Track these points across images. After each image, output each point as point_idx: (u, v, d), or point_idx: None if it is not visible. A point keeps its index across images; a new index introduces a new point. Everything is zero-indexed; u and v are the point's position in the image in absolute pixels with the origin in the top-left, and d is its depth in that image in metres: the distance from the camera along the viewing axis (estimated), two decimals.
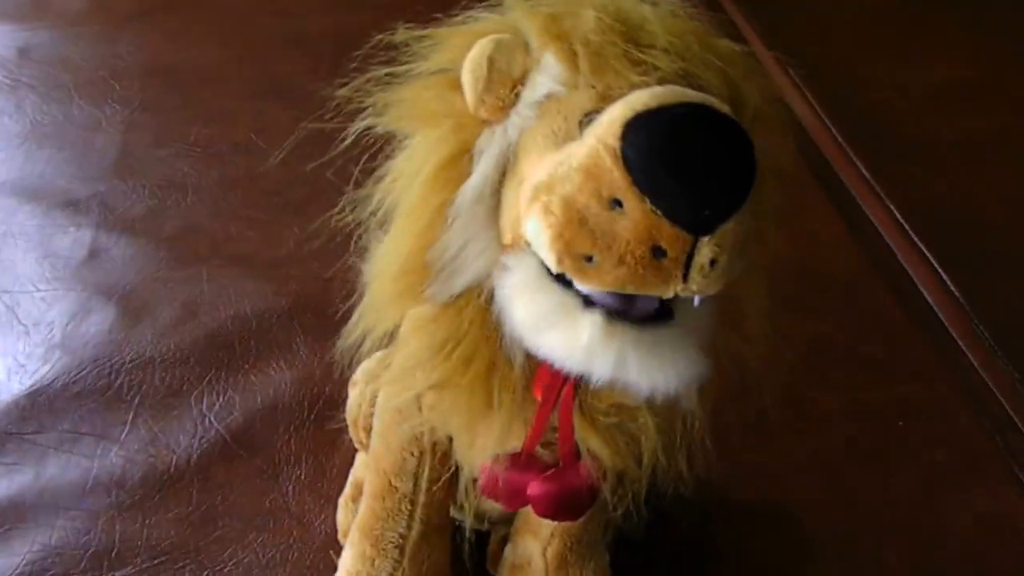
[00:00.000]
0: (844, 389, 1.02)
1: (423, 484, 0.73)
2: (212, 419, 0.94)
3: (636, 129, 0.47)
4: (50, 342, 0.99)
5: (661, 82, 0.51)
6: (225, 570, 0.84)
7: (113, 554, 0.84)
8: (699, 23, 0.56)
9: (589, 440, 0.61)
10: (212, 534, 0.86)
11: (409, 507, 0.74)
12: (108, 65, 1.27)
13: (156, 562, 0.84)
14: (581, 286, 0.51)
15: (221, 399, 0.96)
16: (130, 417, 0.94)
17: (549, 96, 0.54)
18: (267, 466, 0.91)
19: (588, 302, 0.51)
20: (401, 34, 0.59)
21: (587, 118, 0.52)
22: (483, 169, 0.56)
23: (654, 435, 0.60)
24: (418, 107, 0.59)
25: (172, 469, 0.90)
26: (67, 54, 1.29)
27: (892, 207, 1.24)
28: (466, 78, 0.55)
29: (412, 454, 0.72)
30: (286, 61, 1.33)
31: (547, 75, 0.54)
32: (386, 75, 0.59)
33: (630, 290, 0.49)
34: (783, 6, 1.51)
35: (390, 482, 0.74)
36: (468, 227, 0.56)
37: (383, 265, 0.60)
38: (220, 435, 0.93)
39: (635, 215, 0.47)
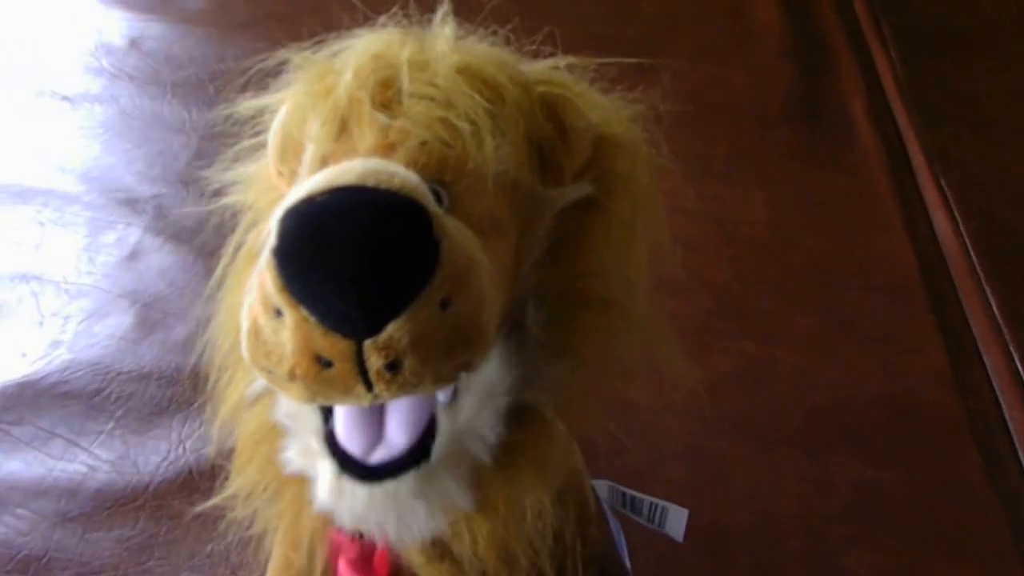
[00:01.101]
0: None
1: (317, 564, 0.76)
2: (186, 447, 0.99)
3: (282, 226, 0.45)
4: (58, 337, 1.07)
5: (391, 147, 0.51)
6: None
7: (43, 562, 0.90)
8: (499, 53, 0.57)
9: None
10: (145, 563, 0.91)
11: None
12: (209, 68, 1.37)
13: None
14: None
15: (201, 429, 1.01)
16: (108, 427, 1.00)
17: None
18: (221, 511, 0.95)
19: (331, 440, 0.51)
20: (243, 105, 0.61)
21: None
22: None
23: (487, 546, 0.58)
24: (253, 181, 0.62)
25: (129, 489, 0.95)
26: (174, 51, 1.40)
27: None
28: (268, 149, 0.58)
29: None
30: None
31: (313, 144, 0.54)
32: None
33: (321, 403, 0.49)
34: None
35: (287, 555, 0.76)
36: None
37: (216, 332, 0.63)
38: (187, 465, 0.98)
39: (290, 323, 0.45)
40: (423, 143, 0.52)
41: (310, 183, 0.47)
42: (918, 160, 1.31)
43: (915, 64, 1.43)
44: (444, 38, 0.56)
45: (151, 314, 1.10)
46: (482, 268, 0.49)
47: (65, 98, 1.34)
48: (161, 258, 1.16)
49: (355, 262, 0.43)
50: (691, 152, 1.32)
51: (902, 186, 1.29)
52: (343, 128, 0.53)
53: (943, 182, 1.28)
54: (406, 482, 0.51)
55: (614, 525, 0.85)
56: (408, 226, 0.45)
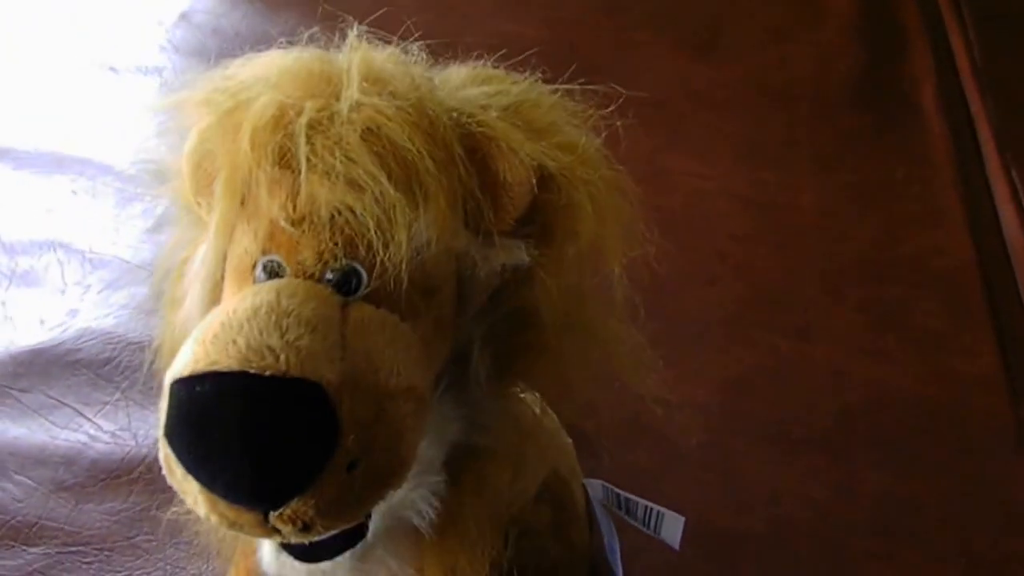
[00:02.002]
0: None
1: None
2: None
3: (171, 410, 0.44)
4: (75, 305, 1.07)
5: (298, 221, 0.48)
6: None
7: (32, 530, 0.89)
8: (412, 87, 0.51)
9: None
10: (133, 537, 0.89)
11: None
12: (254, 41, 1.36)
13: (68, 550, 0.88)
14: None
15: None
16: (114, 398, 0.99)
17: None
18: None
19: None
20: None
21: (256, 265, 0.50)
22: (194, 292, 0.54)
23: None
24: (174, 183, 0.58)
25: (125, 461, 0.94)
26: (221, 24, 1.39)
27: None
28: (182, 174, 0.55)
29: None
30: None
31: (218, 209, 0.51)
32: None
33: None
34: None
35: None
36: None
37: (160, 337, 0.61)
38: None
39: (195, 487, 0.44)
40: (332, 219, 0.49)
41: (197, 344, 0.45)
42: (988, 149, 1.23)
43: (994, 50, 1.35)
44: (354, 84, 0.50)
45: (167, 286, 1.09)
46: (396, 401, 0.47)
47: (112, 69, 1.34)
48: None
49: (247, 451, 0.42)
50: (744, 135, 1.27)
51: (968, 177, 1.21)
52: (246, 195, 0.50)
53: (1014, 174, 1.19)
54: (343, 562, 0.51)
55: (606, 528, 0.81)
56: (298, 410, 0.43)
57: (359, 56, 0.52)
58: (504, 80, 0.55)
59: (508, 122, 0.52)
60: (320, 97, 0.50)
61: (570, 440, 0.81)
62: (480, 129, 0.51)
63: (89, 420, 0.97)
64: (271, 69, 0.52)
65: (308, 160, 0.48)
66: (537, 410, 0.76)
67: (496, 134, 0.51)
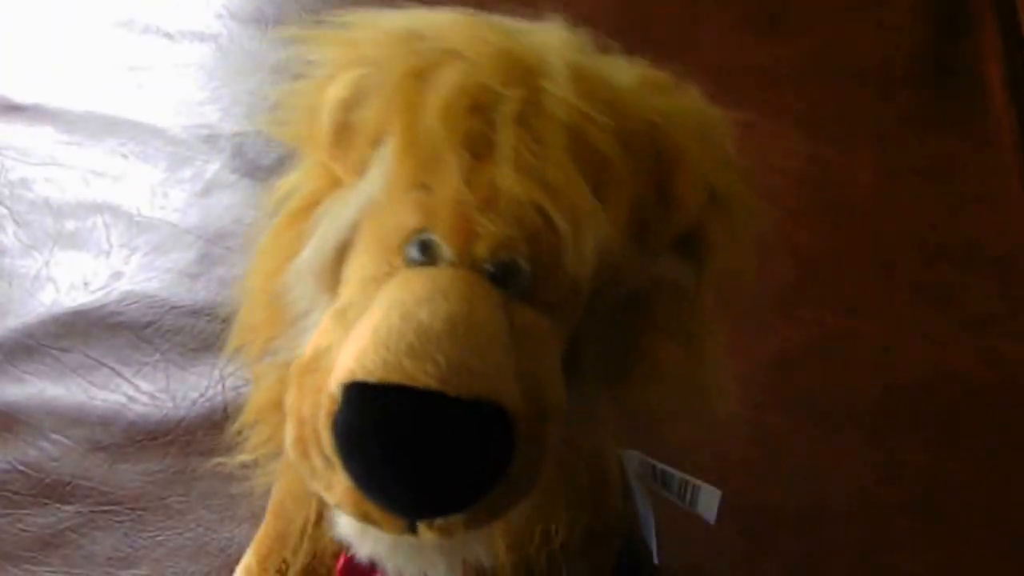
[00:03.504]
0: None
1: (312, 515, 0.73)
2: (224, 385, 0.97)
3: (349, 399, 0.43)
4: (120, 267, 1.07)
5: (482, 203, 0.46)
6: (158, 538, 0.88)
7: (67, 488, 0.90)
8: (609, 88, 0.50)
9: None
10: (166, 498, 0.90)
11: (298, 533, 0.74)
12: (314, 11, 1.36)
13: (101, 509, 0.89)
14: None
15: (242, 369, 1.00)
16: (153, 359, 1.00)
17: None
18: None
19: None
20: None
21: (411, 241, 0.48)
22: (318, 243, 0.52)
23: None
24: (296, 123, 0.55)
25: (162, 423, 0.94)
26: None
27: None
28: (321, 122, 0.51)
29: None
30: None
31: (389, 169, 0.49)
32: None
33: None
34: None
35: (285, 501, 0.74)
36: (306, 297, 0.53)
37: (245, 288, 0.59)
38: (223, 403, 0.96)
39: (343, 480, 0.44)
40: (515, 213, 0.47)
41: (387, 351, 0.43)
42: None
43: None
44: (557, 78, 0.48)
45: (213, 250, 1.09)
46: (551, 422, 0.46)
47: (167, 35, 1.34)
48: (232, 195, 1.15)
49: (425, 468, 0.43)
50: (804, 111, 1.24)
51: None
52: (420, 167, 0.48)
53: None
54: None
55: (640, 500, 0.79)
56: (485, 436, 0.43)
57: (557, 43, 0.51)
58: (674, 89, 0.54)
59: (695, 143, 0.51)
60: (522, 87, 0.47)
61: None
62: (670, 146, 0.50)
63: (128, 381, 0.98)
64: (455, 35, 0.50)
65: (508, 153, 0.46)
66: None
67: (685, 154, 0.50)
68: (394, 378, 0.42)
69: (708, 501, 0.74)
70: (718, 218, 0.53)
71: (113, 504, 0.89)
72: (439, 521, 0.44)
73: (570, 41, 0.52)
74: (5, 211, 1.14)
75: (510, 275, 0.47)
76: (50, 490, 0.90)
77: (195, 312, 1.04)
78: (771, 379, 0.96)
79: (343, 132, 0.51)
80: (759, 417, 0.94)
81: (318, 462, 0.45)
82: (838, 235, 1.10)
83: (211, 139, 1.21)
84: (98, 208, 1.14)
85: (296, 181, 0.56)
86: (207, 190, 1.15)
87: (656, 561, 0.77)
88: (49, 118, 1.23)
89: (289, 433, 0.46)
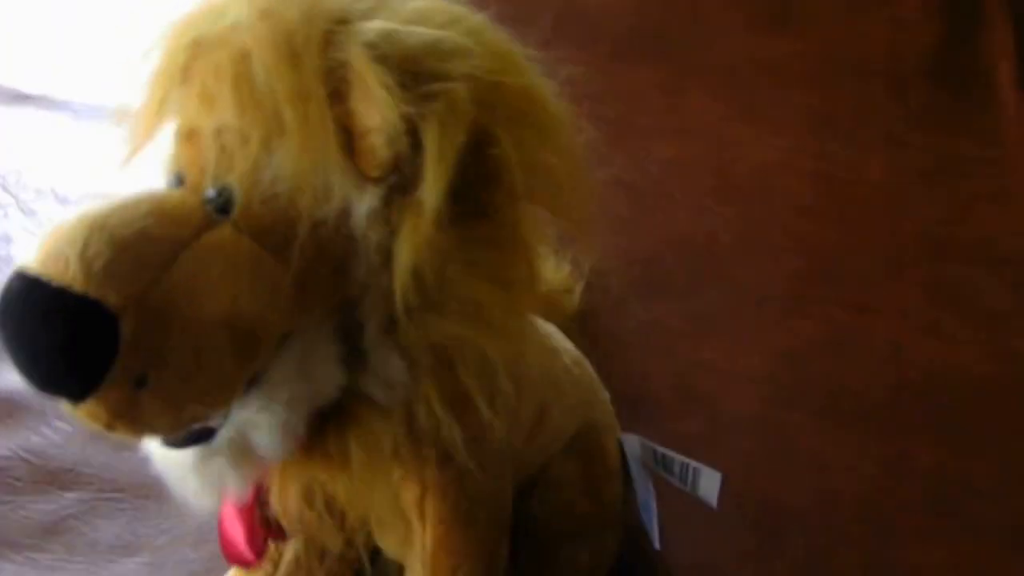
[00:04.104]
0: None
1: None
2: None
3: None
4: None
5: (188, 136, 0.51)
6: (161, 526, 0.87)
7: (69, 475, 0.89)
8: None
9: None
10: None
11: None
12: None
13: (103, 496, 0.88)
14: None
15: None
16: None
17: None
18: None
19: None
20: None
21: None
22: None
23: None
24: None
25: None
26: None
27: None
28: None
29: None
30: None
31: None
32: None
33: None
34: None
35: None
36: None
37: None
38: None
39: None
40: (213, 139, 0.50)
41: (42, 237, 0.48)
42: None
43: None
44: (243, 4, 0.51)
45: None
46: (205, 328, 0.48)
47: None
48: None
49: (38, 352, 0.46)
50: (815, 108, 1.24)
51: None
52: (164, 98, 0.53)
53: None
54: (186, 461, 0.53)
55: (641, 485, 0.79)
56: (76, 325, 0.45)
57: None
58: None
59: (387, 64, 0.48)
60: (213, 17, 0.51)
61: (608, 395, 0.79)
62: (347, 70, 0.49)
63: None
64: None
65: (189, 80, 0.50)
66: (568, 360, 0.74)
67: (362, 75, 0.48)
68: (32, 269, 0.46)
69: (709, 484, 0.74)
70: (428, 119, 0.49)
71: (116, 491, 0.88)
72: (84, 408, 0.46)
73: None
74: (11, 200, 1.13)
75: (224, 199, 0.49)
76: (53, 477, 0.89)
77: None
78: (781, 374, 0.95)
79: None
80: (768, 412, 0.93)
81: None
82: (848, 232, 1.09)
83: None
84: (103, 196, 1.12)
85: None
86: None
87: (657, 547, 0.76)
88: (55, 107, 1.22)
89: None
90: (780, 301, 1.02)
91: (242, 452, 0.53)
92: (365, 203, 0.50)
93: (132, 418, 0.47)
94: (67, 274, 0.45)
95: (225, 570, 0.77)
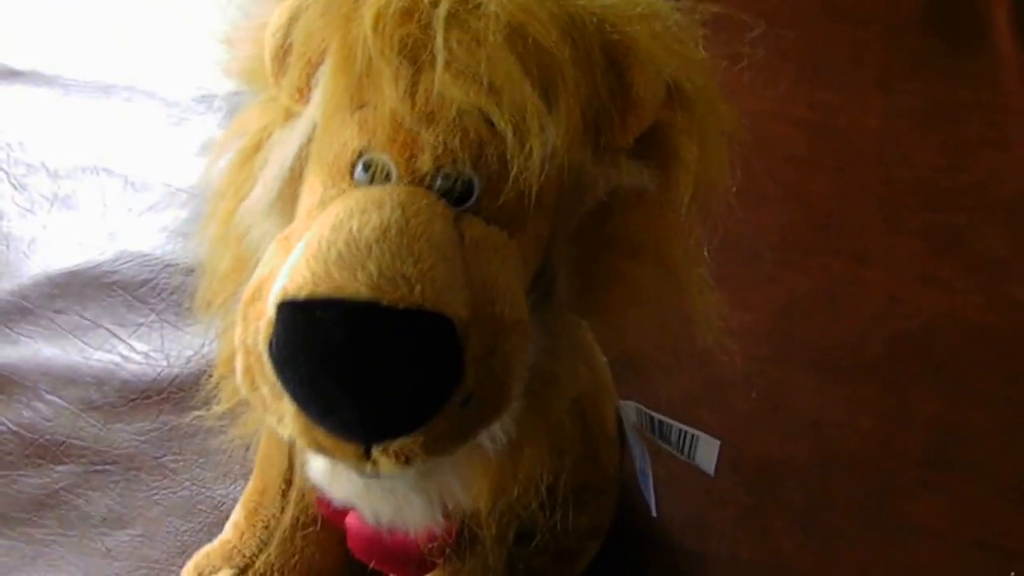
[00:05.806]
0: None
1: (286, 463, 0.69)
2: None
3: (281, 318, 0.41)
4: (115, 228, 1.04)
5: (421, 117, 0.43)
6: (153, 497, 0.85)
7: (60, 448, 0.87)
8: None
9: None
10: (160, 457, 0.87)
11: (284, 486, 0.71)
12: None
13: (95, 469, 0.86)
14: None
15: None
16: (148, 319, 0.97)
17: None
18: (243, 411, 0.91)
19: None
20: None
21: (358, 162, 0.45)
22: (267, 176, 0.49)
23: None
24: (244, 59, 0.53)
25: (156, 381, 0.92)
26: None
27: None
28: (265, 48, 0.48)
29: None
30: None
31: (325, 92, 0.46)
32: None
33: None
34: None
35: (269, 452, 0.70)
36: (266, 235, 0.50)
37: (205, 236, 0.57)
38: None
39: (291, 408, 0.41)
40: (457, 121, 0.44)
41: (316, 262, 0.41)
42: None
43: None
44: None
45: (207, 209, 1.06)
46: (510, 334, 0.43)
47: None
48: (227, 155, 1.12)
49: (370, 387, 0.40)
50: (808, 55, 1.21)
51: None
52: (356, 85, 0.45)
53: None
54: (405, 477, 0.47)
55: (638, 452, 0.76)
56: (429, 347, 0.40)
57: None
58: None
59: (648, 34, 0.47)
60: None
61: (604, 358, 0.77)
62: (620, 38, 0.46)
63: (123, 341, 0.95)
64: None
65: (444, 56, 0.43)
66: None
67: (636, 45, 0.46)
68: (323, 290, 0.40)
69: (707, 452, 0.71)
70: (680, 116, 0.49)
71: (107, 464, 0.87)
72: (393, 445, 0.41)
73: None
74: (2, 175, 1.11)
75: (459, 188, 0.45)
76: (43, 450, 0.88)
77: (190, 271, 1.01)
78: (777, 327, 0.93)
79: (284, 57, 0.48)
80: (764, 366, 0.91)
81: (266, 391, 0.42)
82: (844, 181, 1.06)
83: (206, 99, 1.18)
84: (94, 170, 1.11)
85: (247, 118, 0.53)
86: (202, 150, 1.12)
87: (654, 514, 0.74)
88: (45, 83, 1.20)
89: (238, 366, 0.43)
90: (774, 254, 0.99)
91: (467, 460, 0.49)
92: (617, 176, 0.48)
93: (446, 443, 0.42)
94: (411, 295, 0.40)
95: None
